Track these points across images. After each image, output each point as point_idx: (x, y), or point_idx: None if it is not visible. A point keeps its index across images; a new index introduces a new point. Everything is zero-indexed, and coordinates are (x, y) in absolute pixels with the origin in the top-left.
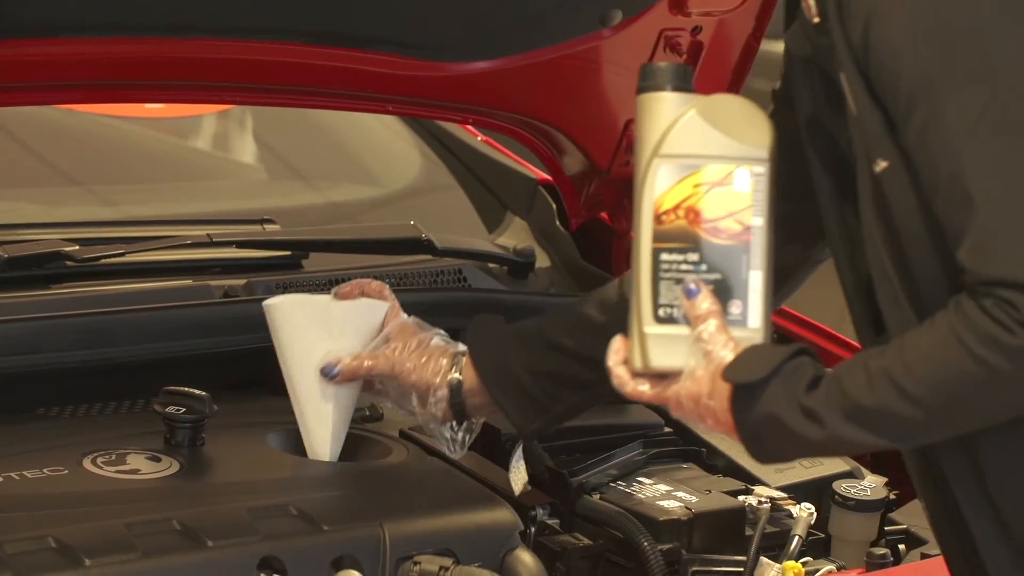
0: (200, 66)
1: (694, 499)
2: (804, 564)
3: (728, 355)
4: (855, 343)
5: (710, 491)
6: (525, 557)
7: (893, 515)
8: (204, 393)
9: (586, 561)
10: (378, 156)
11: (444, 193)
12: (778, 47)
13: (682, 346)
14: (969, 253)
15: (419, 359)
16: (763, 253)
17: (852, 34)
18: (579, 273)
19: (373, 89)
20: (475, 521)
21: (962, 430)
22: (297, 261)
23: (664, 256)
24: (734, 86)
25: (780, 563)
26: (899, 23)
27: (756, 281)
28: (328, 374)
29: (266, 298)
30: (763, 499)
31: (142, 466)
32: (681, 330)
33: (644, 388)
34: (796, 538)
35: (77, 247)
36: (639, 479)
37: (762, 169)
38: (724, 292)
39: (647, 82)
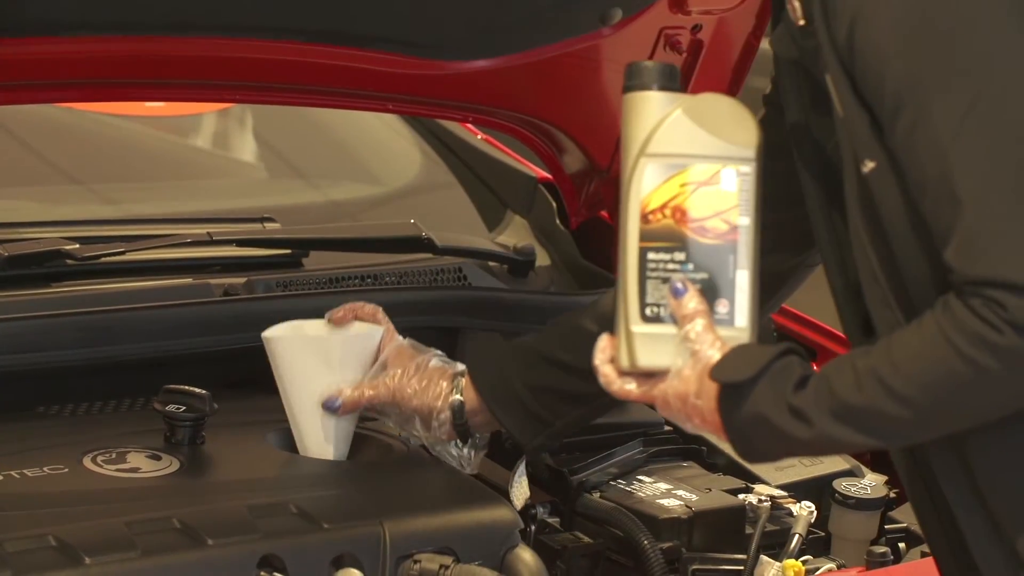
0: (200, 64)
1: (694, 497)
2: (804, 562)
3: (715, 354)
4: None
5: (710, 489)
6: (525, 555)
7: (893, 513)
8: (204, 391)
9: (586, 559)
10: (378, 154)
11: (444, 192)
12: None
13: (669, 345)
14: (956, 253)
15: (419, 384)
16: (750, 252)
17: (837, 35)
18: (579, 272)
19: (373, 87)
20: (475, 519)
21: (950, 429)
22: (297, 259)
23: (651, 255)
24: (734, 85)
25: (780, 561)
26: (885, 24)
27: (743, 280)
28: (330, 408)
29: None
30: (763, 497)
31: (142, 464)
32: (668, 329)
33: (631, 387)
34: (796, 536)
35: (77, 245)
36: (639, 477)
37: (748, 168)
38: (711, 291)
39: (633, 81)
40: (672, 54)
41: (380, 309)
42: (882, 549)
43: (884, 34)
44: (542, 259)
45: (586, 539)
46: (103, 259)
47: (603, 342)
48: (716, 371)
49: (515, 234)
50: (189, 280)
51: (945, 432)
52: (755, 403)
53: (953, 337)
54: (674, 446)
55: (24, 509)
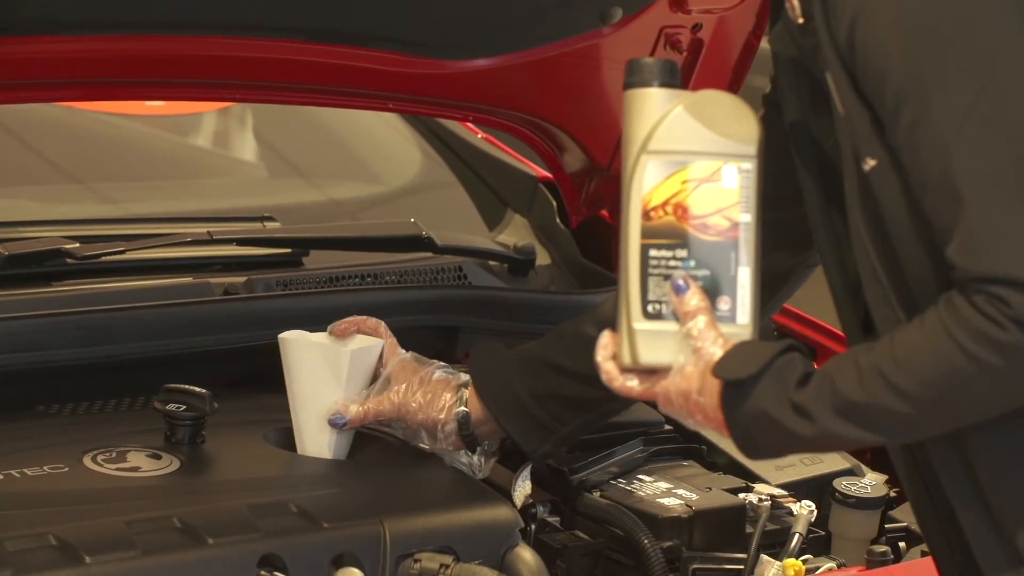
0: (201, 63)
1: (694, 497)
2: (804, 562)
3: (717, 351)
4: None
5: (710, 489)
6: (525, 555)
7: (893, 512)
8: (204, 391)
9: (586, 559)
10: (378, 154)
11: (444, 191)
12: None
13: (671, 342)
14: (959, 250)
15: (423, 397)
16: (751, 249)
17: (838, 34)
18: (579, 271)
19: (374, 86)
20: (475, 518)
21: (953, 425)
22: (297, 258)
23: (653, 252)
24: (734, 83)
25: (781, 561)
26: (885, 22)
27: (745, 277)
28: (336, 424)
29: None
30: (763, 497)
31: (143, 464)
32: (670, 326)
33: (633, 384)
34: (796, 536)
35: (77, 244)
36: (639, 477)
37: (750, 165)
38: (713, 288)
39: (634, 78)
40: (672, 53)
41: (382, 323)
42: (882, 548)
43: (885, 32)
44: (542, 258)
45: (586, 538)
46: (103, 258)
47: (605, 339)
48: (718, 368)
49: (515, 233)
50: (189, 279)
51: (948, 428)
52: (757, 400)
53: (956, 333)
54: (674, 445)
55: (24, 508)
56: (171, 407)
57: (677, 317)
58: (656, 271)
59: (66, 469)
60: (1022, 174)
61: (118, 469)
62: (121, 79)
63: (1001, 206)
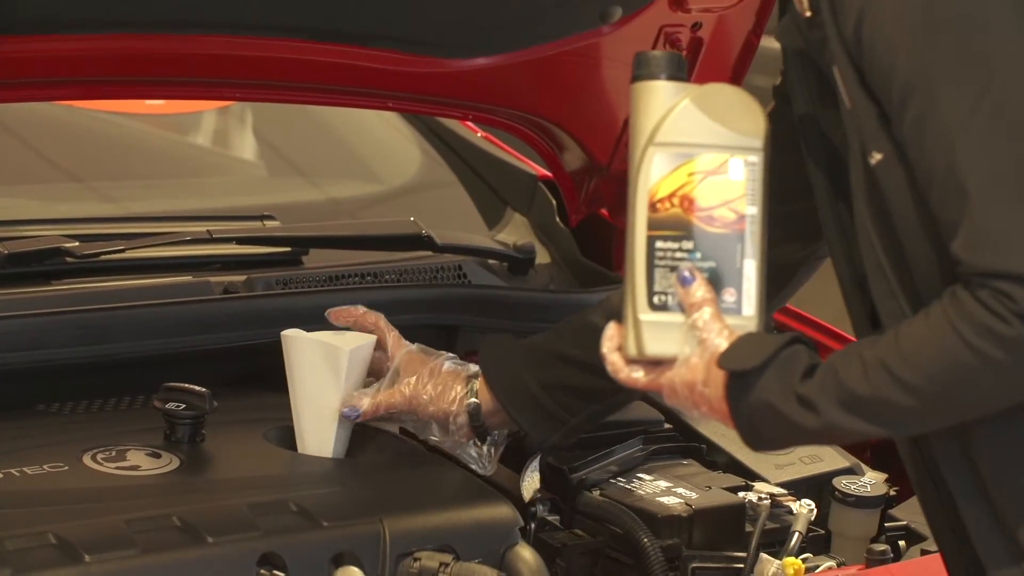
0: (200, 62)
1: (694, 495)
2: (804, 560)
3: (723, 343)
4: (853, 339)
5: (710, 487)
6: (525, 553)
7: (893, 511)
8: (204, 389)
9: (586, 557)
10: (378, 152)
11: (444, 189)
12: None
13: (676, 333)
14: (964, 245)
15: (434, 390)
16: (757, 242)
17: (845, 28)
18: (579, 269)
19: (373, 85)
20: (475, 517)
21: (956, 419)
22: (297, 257)
23: (659, 244)
24: (734, 82)
25: (780, 559)
26: (892, 16)
27: (750, 269)
28: (350, 417)
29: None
30: (763, 495)
31: (142, 462)
32: (675, 317)
33: (638, 375)
34: (796, 534)
35: (77, 243)
36: (639, 475)
37: (756, 158)
38: (718, 280)
39: (641, 71)
40: None
41: (382, 317)
42: (882, 547)
43: (892, 27)
44: (542, 257)
45: (586, 537)
46: (103, 257)
47: (611, 330)
48: (723, 359)
49: (515, 232)
50: (189, 278)
51: (952, 422)
52: (762, 391)
53: (961, 328)
54: (674, 444)
55: (24, 507)
56: (171, 406)
57: (683, 308)
58: (662, 263)
59: (66, 468)
60: None
61: (118, 468)
62: (121, 78)
63: (1006, 202)
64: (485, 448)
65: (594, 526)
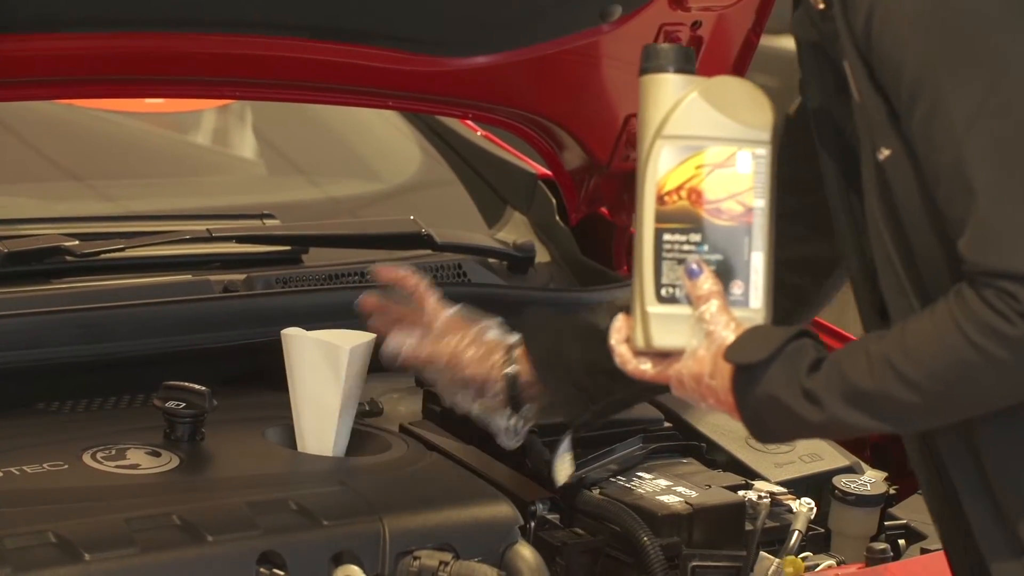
0: (200, 61)
1: (694, 494)
2: (804, 559)
3: (730, 335)
4: (854, 338)
5: (710, 486)
6: (525, 552)
7: (893, 510)
8: (204, 388)
9: (586, 556)
10: (378, 151)
11: (444, 188)
12: (778, 42)
13: (684, 326)
14: (969, 244)
15: (475, 352)
16: (765, 234)
17: (855, 22)
18: (579, 268)
19: (373, 84)
20: (475, 516)
21: (960, 416)
22: (297, 256)
23: (667, 236)
24: None
25: (780, 558)
26: (902, 12)
27: (758, 262)
28: (390, 359)
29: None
30: (763, 494)
31: (142, 461)
32: (683, 310)
33: (646, 367)
34: (796, 533)
35: (77, 242)
36: (639, 474)
37: (764, 151)
38: (726, 273)
39: (650, 63)
40: None
41: (424, 279)
42: (882, 546)
43: (902, 22)
44: (542, 255)
45: (586, 536)
46: (103, 255)
47: (619, 322)
48: (730, 352)
49: (515, 230)
50: (189, 276)
51: (955, 419)
52: (768, 385)
53: (965, 326)
54: (674, 443)
55: (24, 505)
56: (171, 404)
57: (690, 301)
58: (670, 255)
59: (66, 466)
60: None
61: (118, 466)
62: (121, 77)
63: (1012, 201)
64: (515, 420)
65: (594, 525)
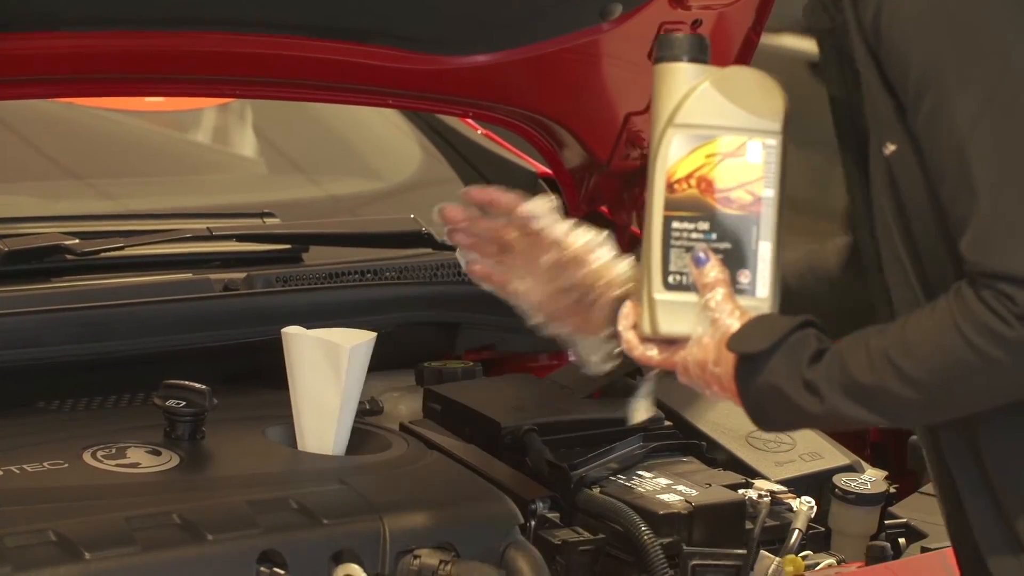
0: (200, 59)
1: (694, 493)
2: (804, 557)
3: (734, 323)
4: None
5: (710, 485)
6: (525, 551)
7: (893, 509)
8: (204, 387)
9: (586, 555)
10: (378, 150)
11: (444, 187)
12: (778, 41)
13: (690, 313)
14: (970, 244)
15: (584, 270)
16: (773, 224)
17: (864, 15)
18: None
19: (373, 83)
20: (475, 515)
21: (956, 414)
22: (297, 254)
23: (675, 224)
24: None
25: (780, 557)
26: (910, 9)
27: (765, 251)
28: (532, 215)
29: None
30: (763, 493)
31: (142, 460)
32: (690, 297)
33: (652, 353)
34: (796, 532)
35: (77, 241)
36: (639, 473)
37: (774, 141)
38: (733, 261)
39: (664, 53)
40: None
41: (521, 197)
42: (882, 544)
43: (909, 19)
44: None
45: (586, 534)
46: (103, 254)
47: (626, 308)
48: (733, 342)
49: None
50: (189, 275)
51: (952, 416)
52: (770, 375)
53: (963, 325)
54: (674, 441)
55: (24, 504)
56: (171, 403)
57: (697, 289)
58: (678, 243)
59: (66, 465)
60: None
61: (118, 465)
62: (121, 75)
63: (1013, 203)
64: (612, 344)
65: (594, 523)
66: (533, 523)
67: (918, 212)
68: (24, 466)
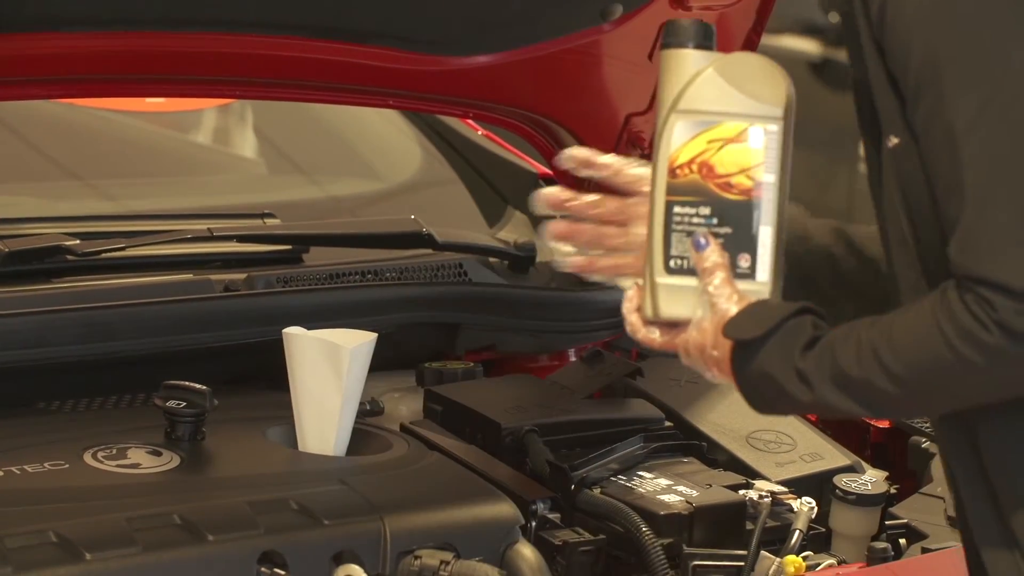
0: (201, 60)
1: (695, 493)
2: (805, 558)
3: (732, 308)
4: None
5: (711, 485)
6: (526, 551)
7: (894, 509)
8: (205, 387)
9: (587, 555)
10: (378, 150)
11: (445, 187)
12: (778, 42)
13: (691, 297)
14: (957, 246)
15: None
16: (774, 209)
17: (871, 7)
18: None
19: (374, 83)
20: (476, 515)
21: (939, 411)
22: (297, 255)
23: (677, 209)
24: None
25: (781, 557)
26: (914, 7)
27: (766, 236)
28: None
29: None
30: (764, 493)
31: (143, 460)
32: (690, 281)
33: (655, 335)
34: (797, 532)
35: (78, 241)
36: (640, 473)
37: (775, 127)
38: (734, 246)
39: (670, 39)
40: None
41: (630, 161)
42: (883, 545)
43: (913, 17)
44: (543, 255)
45: (587, 535)
46: (103, 255)
47: (631, 291)
48: (728, 328)
49: (515, 230)
50: (190, 276)
51: (934, 413)
52: (763, 361)
53: (944, 327)
54: (674, 442)
55: (25, 505)
56: (172, 403)
57: (697, 273)
58: (679, 227)
59: (67, 466)
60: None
61: (119, 466)
62: (121, 76)
63: (999, 209)
64: None
65: (595, 524)
66: (534, 524)
67: (918, 205)
68: (25, 467)
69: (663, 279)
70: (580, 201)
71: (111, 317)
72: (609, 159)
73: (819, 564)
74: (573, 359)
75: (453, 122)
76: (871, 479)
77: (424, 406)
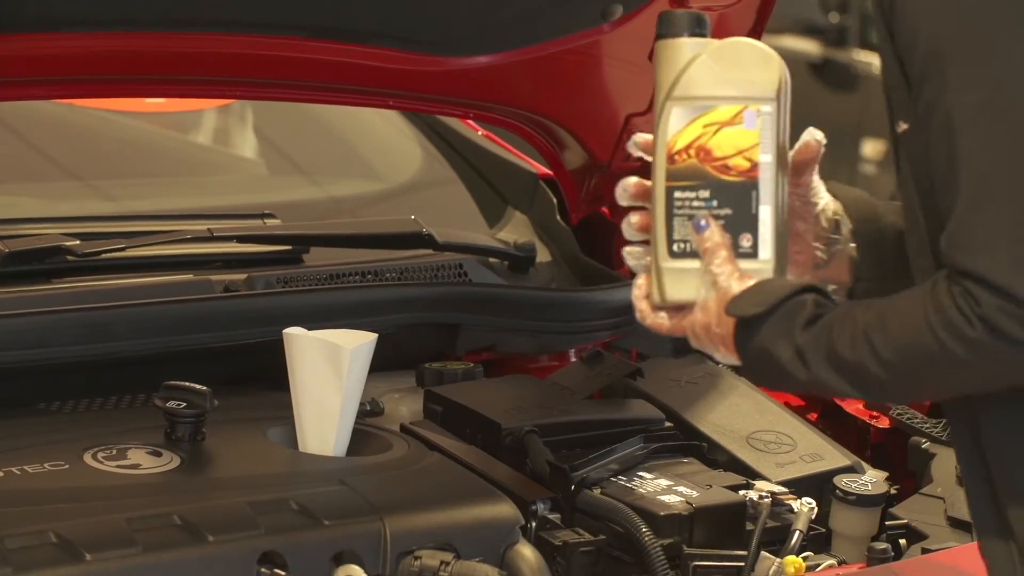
0: (201, 61)
1: (695, 494)
2: (805, 559)
3: (735, 285)
4: None
5: (711, 486)
6: (526, 552)
7: (894, 510)
8: (205, 388)
9: (587, 556)
10: (379, 151)
11: (445, 188)
12: (778, 42)
13: (695, 279)
14: (947, 238)
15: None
16: (772, 188)
17: None
18: (580, 268)
19: (374, 84)
20: (476, 516)
21: (927, 398)
22: (298, 256)
23: (677, 194)
24: None
25: (781, 558)
26: None
27: (766, 215)
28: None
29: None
30: (764, 494)
31: (143, 461)
32: (693, 264)
33: (663, 320)
34: (797, 533)
35: (78, 242)
36: (640, 474)
37: (769, 108)
38: (735, 226)
39: (664, 29)
40: None
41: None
42: (883, 545)
43: (921, 7)
44: (543, 255)
45: (587, 536)
46: (104, 255)
47: (639, 279)
48: (731, 306)
49: (516, 230)
50: (190, 276)
51: (921, 399)
52: (764, 339)
53: (932, 318)
54: (674, 442)
55: (25, 505)
56: (172, 404)
57: (700, 254)
58: (681, 212)
59: (67, 466)
60: (1017, 179)
61: (119, 466)
62: (121, 76)
63: (990, 205)
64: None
65: (595, 524)
66: (534, 524)
67: (924, 191)
68: (25, 467)
69: (667, 263)
70: None
71: (111, 318)
72: None
73: (819, 564)
74: (573, 359)
75: (453, 122)
76: (871, 480)
77: (424, 407)
